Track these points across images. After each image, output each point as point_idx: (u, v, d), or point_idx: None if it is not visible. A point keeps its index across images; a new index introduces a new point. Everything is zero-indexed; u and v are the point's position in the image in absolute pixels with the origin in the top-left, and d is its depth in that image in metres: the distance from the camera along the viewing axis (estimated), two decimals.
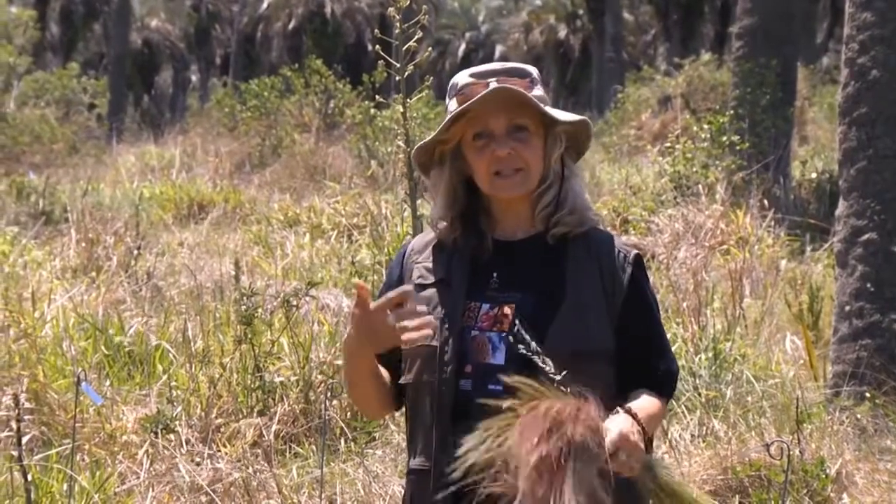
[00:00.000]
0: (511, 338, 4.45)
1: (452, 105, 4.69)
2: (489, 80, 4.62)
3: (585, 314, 4.53)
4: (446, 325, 4.54)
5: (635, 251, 4.69)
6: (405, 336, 4.25)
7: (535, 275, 4.58)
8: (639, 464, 4.44)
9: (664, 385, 4.68)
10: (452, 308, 4.57)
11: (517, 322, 4.46)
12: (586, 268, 4.59)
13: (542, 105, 4.59)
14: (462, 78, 4.71)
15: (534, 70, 4.71)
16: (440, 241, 4.74)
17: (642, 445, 4.43)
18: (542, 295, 4.54)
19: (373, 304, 4.32)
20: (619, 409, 4.43)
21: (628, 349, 4.57)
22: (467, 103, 4.57)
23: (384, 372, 4.70)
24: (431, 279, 4.67)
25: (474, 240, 4.67)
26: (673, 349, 11.21)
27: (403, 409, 4.79)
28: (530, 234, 4.67)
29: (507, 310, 4.54)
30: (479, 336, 4.53)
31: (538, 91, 4.66)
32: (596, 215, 4.77)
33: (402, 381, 4.70)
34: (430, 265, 4.71)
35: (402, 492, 4.91)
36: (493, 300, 4.57)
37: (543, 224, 4.65)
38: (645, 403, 4.55)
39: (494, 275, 4.60)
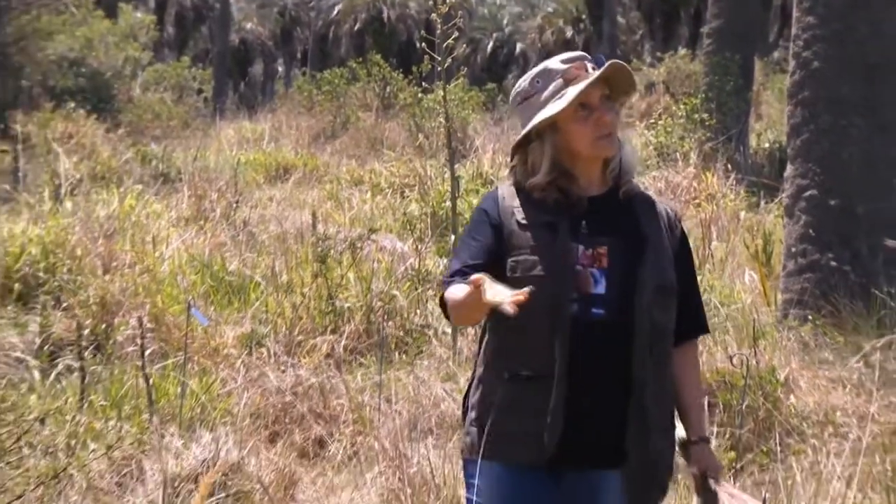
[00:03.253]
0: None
1: (556, 85, 4.58)
2: (584, 62, 4.59)
3: (663, 255, 4.50)
4: (560, 262, 4.45)
5: (677, 212, 4.68)
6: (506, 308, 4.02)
7: (616, 222, 4.51)
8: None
9: (702, 319, 4.72)
10: (564, 249, 4.47)
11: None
12: (654, 219, 4.55)
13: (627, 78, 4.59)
14: (556, 64, 4.61)
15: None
16: (536, 189, 4.60)
17: (721, 468, 4.65)
18: (627, 238, 4.48)
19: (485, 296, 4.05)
20: (696, 442, 4.57)
21: (681, 288, 4.53)
22: (600, 72, 4.52)
23: None
24: (536, 220, 4.54)
25: (562, 193, 4.56)
26: None
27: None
28: (603, 191, 4.59)
29: (601, 250, 4.46)
30: (583, 271, 4.45)
31: None
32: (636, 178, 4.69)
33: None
34: (528, 210, 4.58)
35: (473, 392, 4.73)
36: (587, 243, 4.47)
37: (613, 182, 4.59)
38: (702, 408, 4.69)
39: (584, 222, 4.50)
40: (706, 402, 4.59)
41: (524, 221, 4.57)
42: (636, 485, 4.40)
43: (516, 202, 4.62)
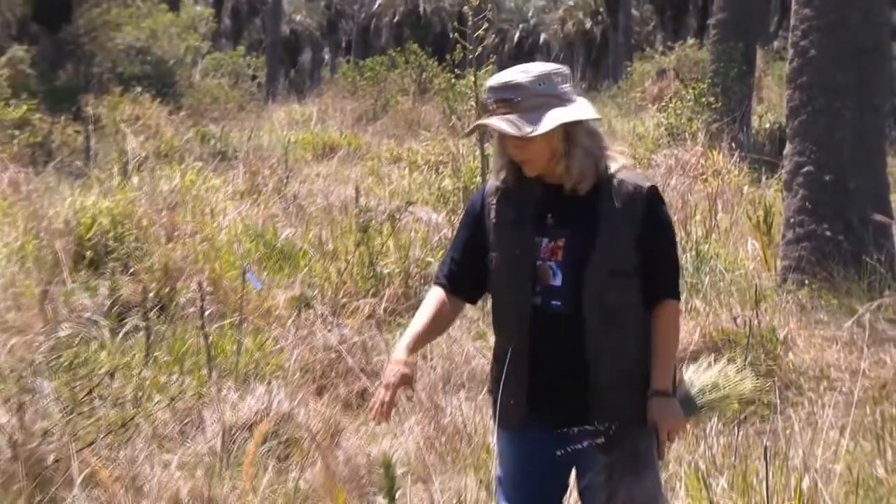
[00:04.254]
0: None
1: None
2: (490, 105, 4.44)
3: (616, 242, 4.44)
4: (521, 261, 4.52)
5: (650, 184, 4.52)
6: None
7: (577, 214, 4.47)
8: (684, 424, 4.70)
9: (667, 286, 4.58)
10: (527, 246, 4.52)
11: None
12: (614, 206, 4.44)
13: (513, 131, 4.35)
14: (486, 90, 4.50)
15: (526, 77, 4.40)
16: (503, 186, 4.61)
17: (679, 416, 4.60)
18: (583, 229, 4.45)
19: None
20: (655, 394, 4.52)
21: (644, 261, 4.48)
22: (472, 125, 4.67)
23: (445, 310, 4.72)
24: (504, 219, 4.57)
25: (529, 183, 4.54)
26: None
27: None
28: (565, 184, 4.51)
29: (560, 243, 4.48)
30: (543, 265, 4.49)
31: (528, 100, 4.38)
32: (613, 158, 4.52)
33: (490, 291, 4.73)
34: (501, 207, 4.60)
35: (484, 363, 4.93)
36: (550, 235, 4.49)
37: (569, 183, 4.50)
38: (662, 362, 4.55)
39: (549, 215, 4.51)
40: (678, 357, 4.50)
41: (495, 220, 4.62)
42: (606, 442, 4.47)
43: (496, 199, 4.64)
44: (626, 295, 4.47)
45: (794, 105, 11.18)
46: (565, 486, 4.85)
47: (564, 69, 4.54)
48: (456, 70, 25.96)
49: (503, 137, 4.47)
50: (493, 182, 4.68)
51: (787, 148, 11.24)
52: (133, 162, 14.58)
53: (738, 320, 9.01)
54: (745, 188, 15.26)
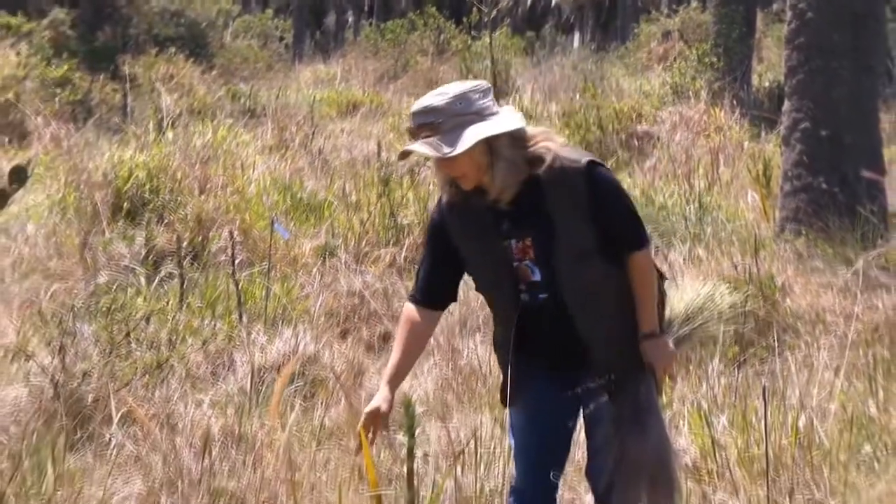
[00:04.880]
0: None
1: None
2: (415, 129, 4.39)
3: (575, 227, 4.44)
4: (500, 263, 4.56)
5: (586, 160, 4.47)
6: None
7: (533, 213, 4.46)
8: (676, 357, 4.82)
9: (631, 240, 4.56)
10: (499, 251, 4.56)
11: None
12: (559, 194, 4.42)
13: (435, 153, 4.33)
14: (410, 116, 4.46)
15: (444, 100, 4.34)
16: (454, 202, 4.58)
17: (670, 352, 4.67)
18: (544, 225, 4.46)
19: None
20: (644, 337, 4.58)
21: (606, 228, 4.47)
22: (402, 151, 4.52)
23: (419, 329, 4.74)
24: (468, 230, 4.59)
25: (477, 196, 4.51)
26: (669, 202, 11.14)
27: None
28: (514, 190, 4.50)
29: (528, 242, 4.52)
30: (520, 265, 4.55)
31: (448, 121, 4.33)
32: (545, 149, 4.46)
33: (477, 290, 4.84)
34: (461, 220, 4.59)
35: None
36: (516, 236, 4.53)
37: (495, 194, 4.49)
38: (645, 307, 4.60)
39: (506, 220, 4.51)
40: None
41: (460, 233, 4.62)
42: (608, 388, 4.56)
43: (454, 216, 4.63)
44: (598, 268, 4.50)
45: (793, 65, 11.15)
46: (574, 426, 4.88)
47: (482, 84, 4.47)
48: (472, 32, 25.91)
49: (437, 158, 4.44)
50: (445, 198, 4.65)
51: (786, 105, 11.21)
52: (168, 118, 14.52)
53: (739, 268, 8.99)
54: (746, 143, 15.19)
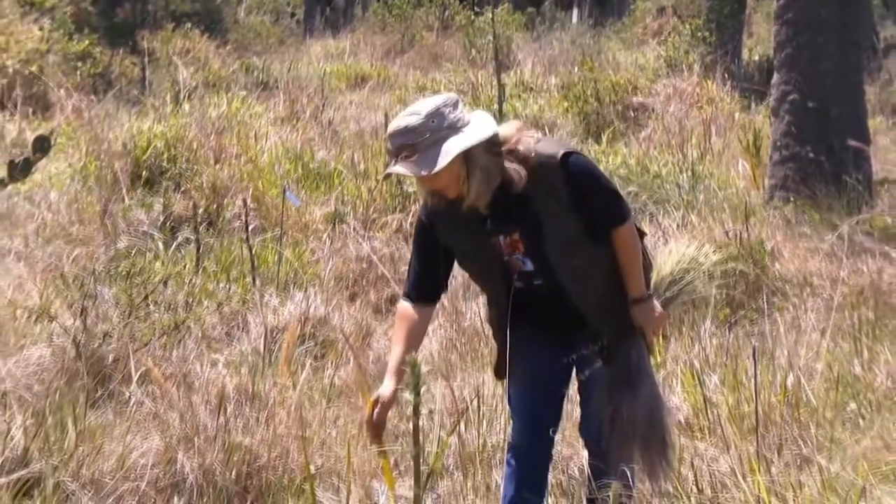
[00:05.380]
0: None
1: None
2: (394, 151, 4.33)
3: (559, 218, 4.45)
4: (491, 268, 4.62)
5: (562, 152, 4.45)
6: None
7: (514, 209, 4.46)
8: (664, 319, 4.86)
9: (610, 218, 4.56)
10: (488, 249, 4.59)
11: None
12: (540, 190, 4.42)
13: (416, 173, 4.31)
14: (387, 138, 4.40)
15: (418, 119, 4.26)
16: (439, 210, 4.57)
17: (657, 315, 4.70)
18: (530, 220, 4.47)
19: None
20: (633, 302, 4.63)
21: (588, 212, 4.48)
22: (385, 174, 4.75)
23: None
24: (455, 233, 4.59)
25: (459, 201, 4.46)
26: (663, 171, 11.11)
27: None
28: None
29: (515, 237, 4.55)
30: (511, 259, 4.59)
31: (426, 138, 4.26)
32: (516, 149, 4.44)
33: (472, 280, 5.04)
34: (448, 225, 4.59)
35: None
36: (504, 233, 4.55)
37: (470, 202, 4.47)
38: (631, 274, 4.63)
39: (487, 221, 4.52)
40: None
41: (448, 236, 4.63)
42: (602, 353, 4.64)
43: (440, 218, 4.61)
44: (588, 250, 4.53)
45: (781, 39, 11.10)
46: (567, 389, 4.96)
47: (452, 97, 4.40)
48: (475, 8, 25.80)
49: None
50: (430, 204, 4.63)
51: (775, 78, 11.17)
52: (184, 91, 14.49)
53: (730, 233, 8.99)
54: (737, 114, 15.14)
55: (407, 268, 4.87)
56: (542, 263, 4.52)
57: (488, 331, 7.10)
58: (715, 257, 5.20)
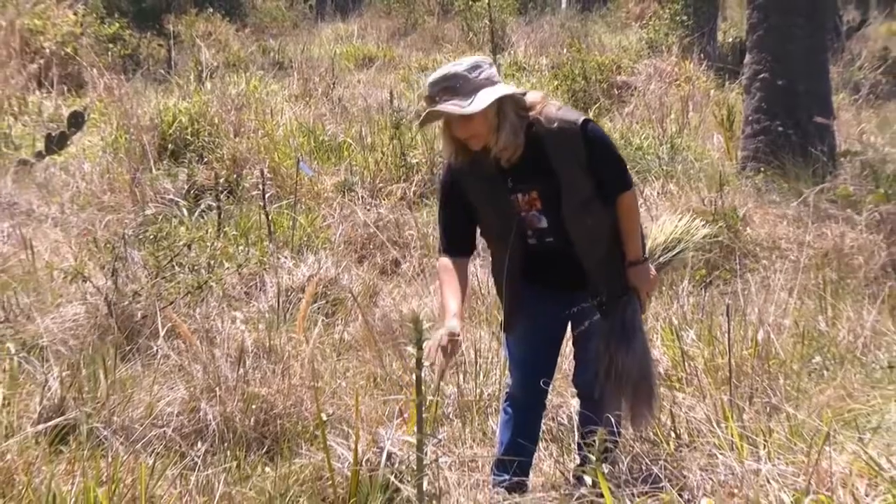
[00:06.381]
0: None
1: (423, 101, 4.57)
2: (434, 96, 4.39)
3: (575, 178, 4.47)
4: (507, 222, 4.58)
5: (582, 119, 4.49)
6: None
7: (536, 169, 4.48)
8: (657, 280, 4.88)
9: (617, 184, 4.58)
10: (507, 205, 4.58)
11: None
12: (559, 150, 4.45)
13: (457, 111, 4.33)
14: (427, 86, 4.46)
15: (461, 68, 4.37)
16: (462, 167, 4.59)
17: (651, 276, 4.72)
18: (548, 178, 4.48)
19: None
20: (630, 264, 4.64)
21: (599, 175, 4.51)
22: (422, 116, 4.51)
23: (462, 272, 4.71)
24: (477, 190, 4.60)
25: (483, 157, 4.51)
26: (644, 144, 11.08)
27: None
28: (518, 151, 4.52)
29: (534, 195, 4.54)
30: (528, 215, 4.58)
31: (465, 85, 4.35)
32: (541, 112, 4.50)
33: (482, 235, 4.80)
34: (470, 182, 4.60)
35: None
36: (522, 191, 4.55)
37: (526, 139, 4.49)
38: (630, 238, 4.64)
39: (508, 179, 4.54)
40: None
41: (469, 193, 4.62)
42: (600, 307, 4.62)
43: (462, 177, 4.62)
44: (596, 212, 4.53)
45: (753, 22, 11.09)
46: (562, 341, 4.95)
47: (488, 59, 4.51)
48: None
49: (449, 123, 4.46)
50: (453, 164, 4.63)
51: (747, 58, 11.18)
52: (206, 70, 14.44)
53: (706, 201, 8.99)
54: (712, 92, 15.10)
55: (439, 227, 4.84)
56: (556, 221, 4.52)
57: (484, 290, 7.11)
58: (704, 231, 5.20)
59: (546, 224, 4.56)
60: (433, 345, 4.32)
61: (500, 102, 4.38)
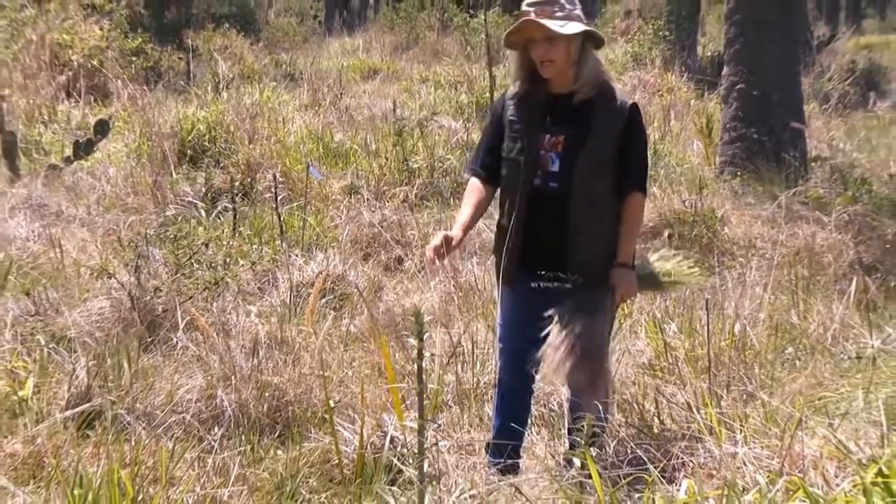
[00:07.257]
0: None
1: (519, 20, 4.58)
2: (531, 9, 4.49)
3: (602, 140, 4.47)
4: (528, 149, 4.54)
5: (633, 101, 4.55)
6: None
7: (574, 117, 4.50)
8: (636, 291, 4.70)
9: (634, 178, 4.56)
10: (532, 139, 4.55)
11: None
12: (602, 113, 4.48)
13: (553, 27, 4.41)
14: (526, 3, 4.54)
15: None
16: (519, 93, 4.65)
17: (633, 284, 4.60)
18: (579, 129, 4.49)
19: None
20: (617, 265, 4.55)
21: (621, 157, 4.50)
22: (515, 25, 4.52)
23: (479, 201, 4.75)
24: (517, 118, 4.62)
25: (539, 92, 4.59)
26: None
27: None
28: (568, 91, 4.56)
29: (560, 138, 4.51)
30: (545, 154, 4.53)
31: (561, 12, 4.47)
32: (609, 78, 4.62)
33: (502, 172, 4.71)
34: (516, 109, 4.64)
35: (493, 238, 5.00)
36: (551, 132, 4.53)
37: (578, 86, 4.54)
38: (626, 240, 4.57)
39: (548, 118, 4.55)
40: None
41: (511, 118, 4.64)
42: (573, 288, 4.49)
43: (511, 102, 4.68)
44: (604, 182, 4.48)
45: (731, 37, 11.14)
46: (543, 326, 4.78)
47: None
48: (470, 11, 25.68)
49: (531, 42, 4.51)
50: (511, 89, 4.72)
51: (725, 70, 11.23)
52: (223, 82, 14.44)
53: (686, 203, 9.00)
54: (692, 101, 15.11)
55: (477, 146, 4.91)
56: (568, 170, 4.47)
57: (481, 286, 7.10)
58: (698, 280, 5.14)
59: (557, 168, 4.49)
60: (430, 245, 4.54)
61: (585, 40, 4.50)
